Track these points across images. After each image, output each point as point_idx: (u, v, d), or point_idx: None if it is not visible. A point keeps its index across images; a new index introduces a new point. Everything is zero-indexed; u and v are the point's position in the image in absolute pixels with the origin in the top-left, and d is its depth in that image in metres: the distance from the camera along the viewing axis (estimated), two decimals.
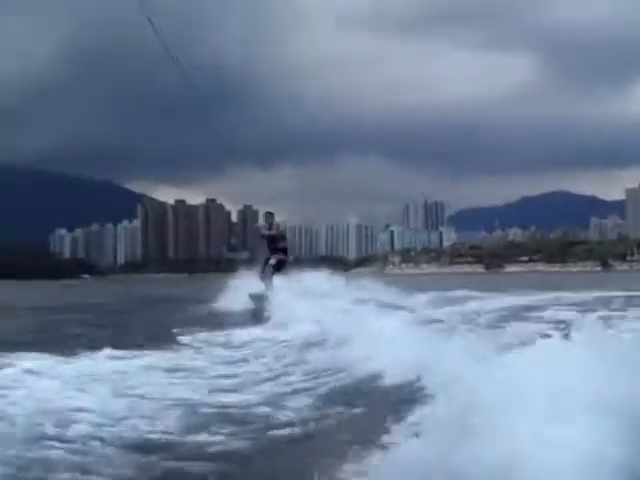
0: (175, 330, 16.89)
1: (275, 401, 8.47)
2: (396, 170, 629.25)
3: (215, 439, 6.63)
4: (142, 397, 8.59)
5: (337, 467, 5.42)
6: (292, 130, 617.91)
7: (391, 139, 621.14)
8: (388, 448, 5.41)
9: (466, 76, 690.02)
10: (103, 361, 11.38)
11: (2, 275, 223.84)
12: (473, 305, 22.97)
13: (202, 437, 6.74)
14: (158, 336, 15.85)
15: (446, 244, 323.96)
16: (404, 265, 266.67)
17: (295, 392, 8.99)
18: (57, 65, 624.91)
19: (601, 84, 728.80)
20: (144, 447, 6.34)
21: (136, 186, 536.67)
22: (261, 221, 34.85)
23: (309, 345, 13.28)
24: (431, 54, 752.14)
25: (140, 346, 13.39)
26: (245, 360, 12.35)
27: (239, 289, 26.98)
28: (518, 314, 19.37)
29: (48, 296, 56.59)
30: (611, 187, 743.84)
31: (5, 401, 8.00)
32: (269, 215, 28.85)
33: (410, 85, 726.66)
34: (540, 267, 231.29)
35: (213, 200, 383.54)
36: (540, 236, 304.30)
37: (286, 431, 6.96)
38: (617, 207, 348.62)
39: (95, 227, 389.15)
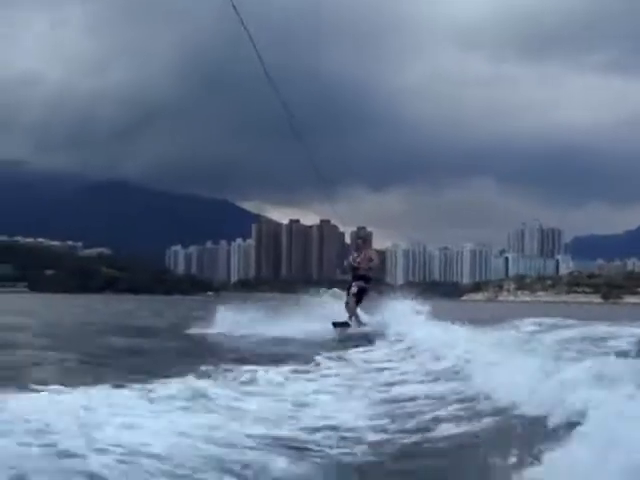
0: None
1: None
2: (510, 195, 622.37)
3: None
4: None
5: None
6: (405, 153, 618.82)
7: (505, 163, 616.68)
8: None
9: (585, 100, 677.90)
10: None
11: (123, 290, 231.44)
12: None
13: None
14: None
15: (562, 272, 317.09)
16: (519, 292, 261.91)
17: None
18: (175, 84, 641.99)
19: None
20: None
21: (250, 206, 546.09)
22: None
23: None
24: (549, 78, 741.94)
25: None
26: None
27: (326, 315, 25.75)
28: None
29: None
30: None
31: None
32: (361, 242, 28.67)
33: (527, 108, 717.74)
34: None
35: (327, 221, 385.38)
36: None
37: None
38: None
39: (209, 245, 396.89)
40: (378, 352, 16.85)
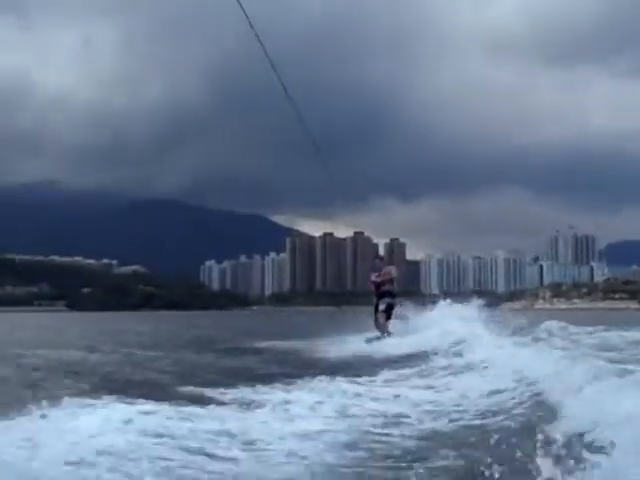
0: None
1: None
2: (542, 202, 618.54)
3: None
4: None
5: None
6: (436, 163, 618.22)
7: (536, 171, 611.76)
8: None
9: (614, 105, 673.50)
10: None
11: (160, 306, 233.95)
12: None
13: None
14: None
15: (597, 279, 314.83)
16: (555, 300, 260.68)
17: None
18: (203, 99, 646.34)
19: None
20: None
21: (282, 219, 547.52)
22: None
23: None
24: (578, 83, 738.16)
25: None
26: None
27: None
28: None
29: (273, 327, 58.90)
30: None
31: None
32: (378, 260, 29.49)
33: (556, 114, 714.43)
34: None
35: (361, 233, 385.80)
36: None
37: None
38: None
39: (243, 259, 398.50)
40: None
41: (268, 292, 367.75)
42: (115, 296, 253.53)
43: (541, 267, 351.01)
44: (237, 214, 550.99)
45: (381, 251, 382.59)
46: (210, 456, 7.39)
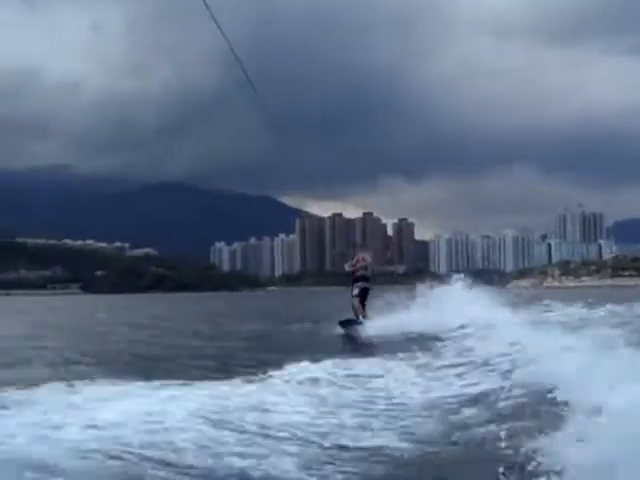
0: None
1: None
2: (549, 180, 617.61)
3: None
4: None
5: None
6: (442, 142, 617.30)
7: (543, 149, 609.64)
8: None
9: (624, 83, 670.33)
10: None
11: (172, 288, 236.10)
12: None
13: None
14: None
15: (605, 256, 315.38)
16: (564, 278, 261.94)
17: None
18: (211, 81, 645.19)
19: None
20: None
21: (291, 200, 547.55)
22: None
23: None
24: (584, 62, 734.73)
25: None
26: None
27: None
28: None
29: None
30: None
31: None
32: (352, 249, 31.27)
33: (563, 93, 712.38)
34: None
35: (370, 213, 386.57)
36: None
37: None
38: None
39: (253, 240, 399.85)
40: None
41: (278, 273, 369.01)
42: (128, 278, 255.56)
43: (549, 245, 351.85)
44: (246, 196, 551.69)
45: (390, 231, 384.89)
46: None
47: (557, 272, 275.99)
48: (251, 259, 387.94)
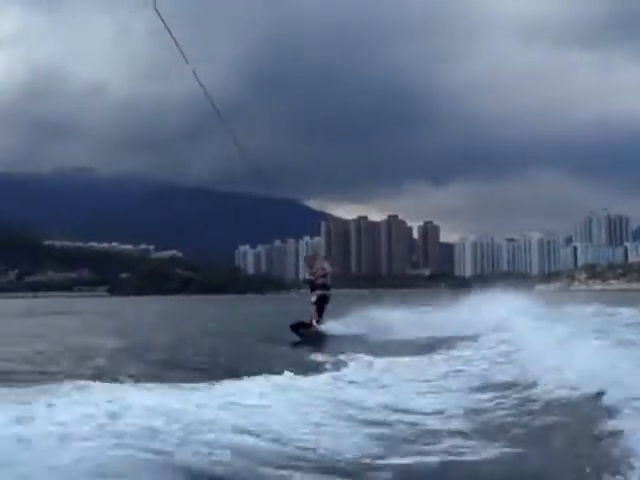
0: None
1: None
2: (574, 184, 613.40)
3: None
4: None
5: None
6: (468, 146, 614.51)
7: (569, 152, 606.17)
8: None
9: None
10: None
11: (197, 291, 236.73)
12: None
13: None
14: None
15: (631, 260, 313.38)
16: (590, 281, 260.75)
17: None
18: (233, 84, 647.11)
19: None
20: None
21: (314, 204, 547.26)
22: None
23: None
24: (611, 66, 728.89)
25: None
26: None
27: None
28: None
29: None
30: None
31: None
32: (308, 258, 31.54)
33: (589, 97, 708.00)
34: None
35: (395, 216, 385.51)
36: None
37: None
38: None
39: (277, 243, 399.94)
40: None
41: (302, 276, 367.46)
42: (153, 281, 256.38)
43: (575, 248, 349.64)
44: (270, 199, 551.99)
45: (415, 234, 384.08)
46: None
47: (584, 275, 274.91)
48: (275, 262, 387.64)
